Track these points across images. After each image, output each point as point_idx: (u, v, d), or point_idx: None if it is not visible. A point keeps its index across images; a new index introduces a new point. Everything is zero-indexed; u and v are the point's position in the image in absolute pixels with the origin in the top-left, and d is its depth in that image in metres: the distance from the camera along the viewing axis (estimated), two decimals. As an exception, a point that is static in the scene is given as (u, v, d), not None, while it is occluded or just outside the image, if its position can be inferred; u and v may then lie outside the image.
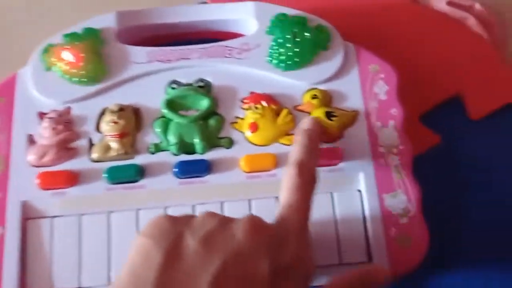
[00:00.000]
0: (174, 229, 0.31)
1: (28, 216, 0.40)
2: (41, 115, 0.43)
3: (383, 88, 0.43)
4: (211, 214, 0.33)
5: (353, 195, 0.41)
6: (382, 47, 0.47)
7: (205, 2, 0.52)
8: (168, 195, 0.40)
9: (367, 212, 0.40)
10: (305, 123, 0.40)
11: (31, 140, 0.42)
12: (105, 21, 0.45)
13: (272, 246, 0.31)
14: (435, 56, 0.50)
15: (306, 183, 0.35)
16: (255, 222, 0.32)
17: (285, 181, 0.35)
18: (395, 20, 0.52)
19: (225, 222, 0.32)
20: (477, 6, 0.53)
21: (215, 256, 0.30)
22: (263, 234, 0.31)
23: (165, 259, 0.29)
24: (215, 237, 0.31)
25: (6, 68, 0.46)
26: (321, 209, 0.40)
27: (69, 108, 0.43)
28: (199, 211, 0.40)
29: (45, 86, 0.43)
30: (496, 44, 0.52)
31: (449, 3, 0.53)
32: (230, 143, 0.42)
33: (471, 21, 0.52)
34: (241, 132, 0.42)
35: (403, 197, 0.40)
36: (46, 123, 0.42)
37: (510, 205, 0.45)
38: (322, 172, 0.41)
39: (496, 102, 0.48)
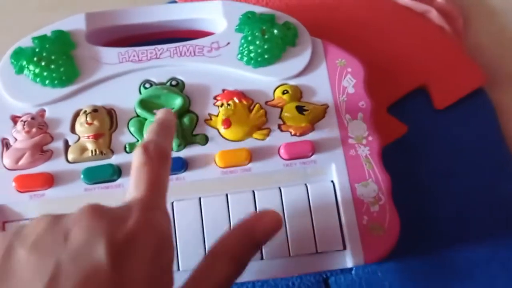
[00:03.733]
0: (3, 243, 0.28)
1: (7, 219, 0.40)
2: (15, 118, 0.43)
3: (351, 82, 0.45)
4: (41, 217, 0.29)
5: (327, 185, 0.42)
6: (348, 41, 0.48)
7: (174, 1, 0.53)
8: (146, 193, 0.41)
9: (340, 202, 0.41)
10: (157, 115, 0.38)
11: (5, 144, 0.42)
12: (74, 23, 0.45)
13: (109, 224, 0.28)
14: (400, 48, 0.52)
15: (152, 159, 0.32)
16: (88, 209, 0.29)
17: (132, 165, 0.33)
18: (360, 14, 0.54)
19: (56, 220, 0.29)
20: (439, -1, 0.55)
21: (47, 259, 0.26)
22: (97, 217, 0.28)
23: None
24: (46, 238, 0.27)
25: None
26: (296, 200, 0.41)
27: (42, 110, 0.43)
28: (177, 207, 0.41)
29: (16, 90, 0.43)
30: (457, 36, 0.53)
31: (411, -3, 0.54)
32: (205, 140, 0.43)
33: (433, 14, 0.54)
34: (215, 128, 0.43)
35: (374, 186, 0.42)
36: (20, 126, 0.42)
37: (474, 191, 0.47)
38: (296, 165, 0.42)
39: (459, 92, 0.50)
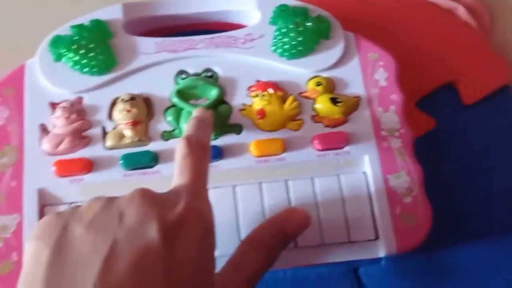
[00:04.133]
0: (59, 222, 0.30)
1: (46, 202, 0.41)
2: (53, 105, 0.43)
3: (383, 75, 0.45)
4: (95, 199, 0.31)
5: (359, 177, 0.43)
6: (376, 36, 0.48)
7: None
8: (182, 180, 0.42)
9: (372, 193, 0.42)
10: (194, 112, 0.40)
11: (43, 130, 0.43)
12: (111, 13, 0.46)
13: (160, 208, 0.30)
14: (428, 44, 0.53)
15: (195, 150, 0.35)
16: (139, 192, 0.31)
17: (176, 156, 0.35)
18: (389, 9, 0.54)
19: (110, 202, 0.31)
20: (466, -4, 0.55)
21: (104, 237, 0.28)
22: (149, 200, 0.30)
23: (52, 254, 0.28)
24: (102, 217, 0.30)
25: (8, 60, 0.48)
26: (329, 190, 0.42)
27: (80, 97, 0.44)
28: (212, 195, 0.41)
29: (55, 77, 0.44)
30: (484, 33, 0.54)
31: (439, -6, 0.55)
32: (239, 130, 0.43)
33: (461, 11, 0.54)
34: (249, 118, 0.44)
35: (406, 178, 0.42)
36: (59, 112, 0.42)
37: (501, 186, 0.48)
38: (329, 156, 0.43)
39: (487, 87, 0.51)
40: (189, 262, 0.29)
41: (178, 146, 0.35)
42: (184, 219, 0.30)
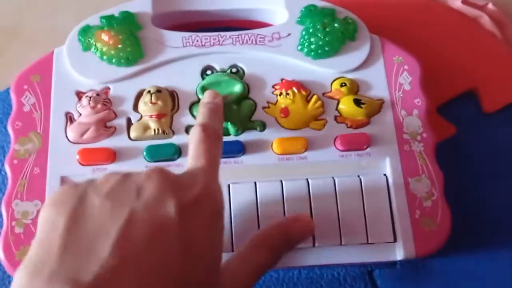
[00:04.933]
0: (76, 191, 0.31)
1: (68, 190, 0.41)
2: (79, 94, 0.44)
3: (407, 79, 0.46)
4: (112, 173, 0.32)
5: (380, 178, 0.43)
6: (401, 42, 0.48)
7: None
8: (204, 174, 0.42)
9: (393, 195, 0.42)
10: (204, 97, 0.41)
11: (69, 118, 0.43)
12: (141, 5, 0.47)
13: (177, 187, 0.31)
14: (451, 51, 0.53)
15: (210, 137, 0.36)
16: (157, 170, 0.32)
17: (191, 139, 0.36)
18: (413, 15, 0.54)
19: (127, 176, 0.32)
20: (490, 5, 0.55)
21: (121, 207, 0.29)
22: (166, 178, 0.31)
23: (69, 221, 0.29)
24: (120, 189, 0.30)
25: (32, 48, 0.50)
26: (349, 191, 0.42)
27: (107, 88, 0.44)
28: (233, 190, 0.42)
29: (83, 66, 0.44)
30: (507, 43, 0.54)
31: (464, 2, 0.55)
32: (262, 127, 0.44)
33: (485, 20, 0.54)
34: (273, 116, 0.44)
35: (427, 182, 0.42)
36: (85, 101, 0.43)
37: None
38: (351, 156, 0.43)
39: (507, 97, 0.51)
40: (201, 239, 0.30)
41: (193, 131, 0.37)
42: (199, 199, 0.31)
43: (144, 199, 0.30)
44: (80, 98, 0.44)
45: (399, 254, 0.41)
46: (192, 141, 0.36)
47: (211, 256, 0.31)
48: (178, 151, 0.42)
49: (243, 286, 0.33)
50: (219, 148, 0.37)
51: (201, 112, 0.39)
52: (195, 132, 0.36)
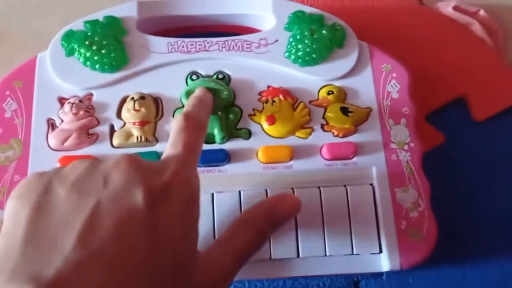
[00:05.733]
0: (41, 181, 0.30)
1: (49, 198, 0.40)
2: (62, 100, 0.43)
3: (395, 87, 0.45)
4: (80, 161, 0.31)
5: (366, 188, 0.42)
6: (391, 48, 0.48)
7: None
8: (188, 183, 0.41)
9: (379, 205, 0.41)
10: (195, 92, 0.41)
11: (50, 124, 0.43)
12: (126, 10, 0.46)
13: (146, 173, 0.30)
14: (441, 58, 0.52)
15: (191, 126, 0.35)
16: (126, 157, 0.31)
17: (172, 127, 0.36)
18: (404, 22, 0.54)
19: (95, 164, 0.31)
20: (482, 12, 0.55)
21: (87, 197, 0.28)
22: (135, 165, 0.30)
23: (33, 213, 0.28)
24: (86, 179, 0.30)
25: (21, 51, 0.49)
26: (335, 200, 0.41)
27: (90, 94, 0.43)
28: (217, 199, 0.41)
29: (65, 72, 0.44)
30: (498, 49, 0.54)
31: (455, 8, 0.55)
32: (248, 134, 0.43)
33: (476, 27, 0.54)
34: (259, 124, 0.43)
35: (414, 192, 0.42)
36: (67, 108, 0.42)
37: (509, 203, 0.47)
38: (337, 165, 0.42)
39: (498, 105, 0.50)
40: (171, 228, 0.29)
41: (175, 120, 0.36)
42: (169, 185, 0.30)
43: (110, 188, 0.29)
44: (62, 104, 0.43)
45: (384, 265, 0.40)
46: (172, 129, 0.36)
47: (184, 243, 0.30)
48: (161, 159, 0.41)
49: (227, 270, 0.32)
50: (201, 137, 0.36)
51: (188, 102, 0.39)
52: (177, 120, 0.36)
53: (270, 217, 0.35)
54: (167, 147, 0.34)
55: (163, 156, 0.34)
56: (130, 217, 0.28)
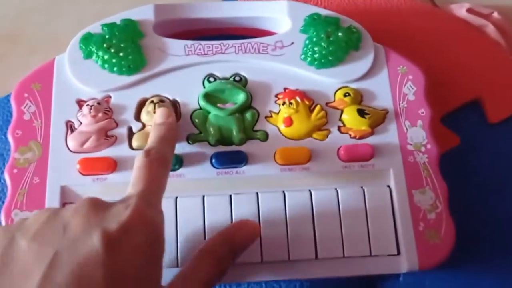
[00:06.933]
0: (5, 235, 0.30)
1: (67, 200, 0.41)
2: (80, 102, 0.43)
3: (411, 89, 0.45)
4: (43, 210, 0.32)
5: (383, 190, 0.42)
6: (405, 51, 0.48)
7: (232, -1, 0.54)
8: (206, 184, 0.42)
9: (396, 207, 0.41)
10: (157, 116, 0.41)
11: (69, 127, 0.43)
12: (143, 13, 0.46)
13: (104, 216, 0.31)
14: (456, 60, 0.52)
15: (153, 162, 0.35)
16: (85, 202, 0.32)
17: (134, 166, 0.35)
18: (417, 24, 0.54)
19: (56, 212, 0.32)
20: (495, 14, 0.55)
21: (46, 248, 0.29)
22: (93, 209, 0.31)
23: None
24: (46, 229, 0.30)
25: (33, 54, 0.50)
26: (352, 202, 0.42)
27: (108, 96, 0.44)
28: (235, 201, 0.41)
29: (84, 74, 0.44)
30: (512, 52, 0.54)
31: (469, 11, 0.55)
32: (265, 136, 0.43)
33: (490, 29, 0.54)
34: (275, 125, 0.44)
35: (431, 194, 0.42)
36: (86, 110, 0.42)
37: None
38: (354, 167, 0.42)
39: (512, 107, 0.51)
40: (132, 269, 0.29)
41: (136, 158, 0.36)
42: (129, 226, 0.30)
43: (69, 236, 0.30)
44: (81, 107, 0.43)
45: (402, 266, 0.40)
46: (134, 168, 0.35)
47: (147, 283, 0.30)
48: (179, 161, 0.41)
49: None
50: (163, 172, 0.36)
51: (150, 135, 0.38)
52: (137, 158, 0.36)
53: (230, 246, 0.36)
54: (129, 186, 0.34)
55: (124, 196, 0.34)
56: (88, 262, 0.28)
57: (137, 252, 0.30)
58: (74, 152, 0.42)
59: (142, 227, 0.31)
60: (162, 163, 0.36)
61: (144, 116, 0.43)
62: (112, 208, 0.32)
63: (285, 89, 0.45)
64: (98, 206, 0.31)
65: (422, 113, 0.44)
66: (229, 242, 0.36)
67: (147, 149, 0.36)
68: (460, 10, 0.55)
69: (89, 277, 0.28)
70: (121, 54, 0.44)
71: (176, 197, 0.41)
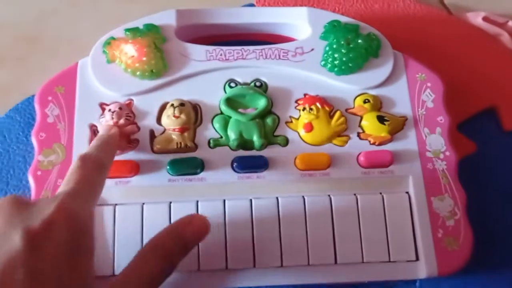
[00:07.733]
0: None
1: (91, 203, 0.41)
2: (103, 106, 0.44)
3: (430, 96, 0.46)
4: None
5: (402, 196, 0.43)
6: (421, 58, 0.48)
7: (252, 5, 0.54)
8: (227, 189, 0.42)
9: (415, 214, 0.42)
10: (100, 130, 0.42)
11: (93, 131, 0.43)
12: (165, 18, 0.47)
13: (27, 214, 0.30)
14: (472, 68, 0.53)
15: (87, 165, 0.35)
16: (8, 201, 0.31)
17: (69, 169, 0.35)
18: (433, 32, 0.54)
19: None
20: (511, 23, 0.55)
21: None
22: (16, 207, 0.30)
23: None
24: None
25: (53, 57, 0.51)
26: (371, 208, 0.42)
27: (131, 100, 0.44)
28: (255, 206, 0.41)
29: (107, 78, 0.44)
30: (528, 60, 0.54)
31: (484, 19, 0.55)
32: (285, 141, 0.44)
33: (505, 37, 0.54)
34: (295, 131, 0.44)
35: (450, 201, 0.42)
36: (108, 116, 0.43)
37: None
38: (374, 173, 0.43)
39: (528, 115, 0.51)
40: (55, 266, 0.29)
41: (72, 162, 0.36)
42: (52, 223, 0.30)
43: None
44: (103, 110, 0.44)
45: (421, 272, 0.41)
46: (68, 170, 0.35)
47: (74, 281, 0.29)
48: (201, 165, 0.42)
49: None
50: (98, 174, 0.36)
51: (90, 144, 0.39)
52: (73, 162, 0.36)
53: (178, 239, 0.35)
54: (60, 186, 0.34)
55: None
56: (10, 261, 0.28)
57: (60, 248, 0.29)
58: (97, 155, 0.42)
59: (66, 222, 0.30)
60: (97, 167, 0.36)
61: (165, 120, 0.43)
62: (37, 205, 0.31)
63: (305, 95, 0.45)
64: (19, 204, 0.31)
65: (441, 120, 0.45)
66: (179, 235, 0.35)
67: (82, 154, 0.36)
68: (476, 19, 0.55)
69: (10, 278, 0.27)
70: (144, 58, 0.44)
71: (197, 201, 0.41)
